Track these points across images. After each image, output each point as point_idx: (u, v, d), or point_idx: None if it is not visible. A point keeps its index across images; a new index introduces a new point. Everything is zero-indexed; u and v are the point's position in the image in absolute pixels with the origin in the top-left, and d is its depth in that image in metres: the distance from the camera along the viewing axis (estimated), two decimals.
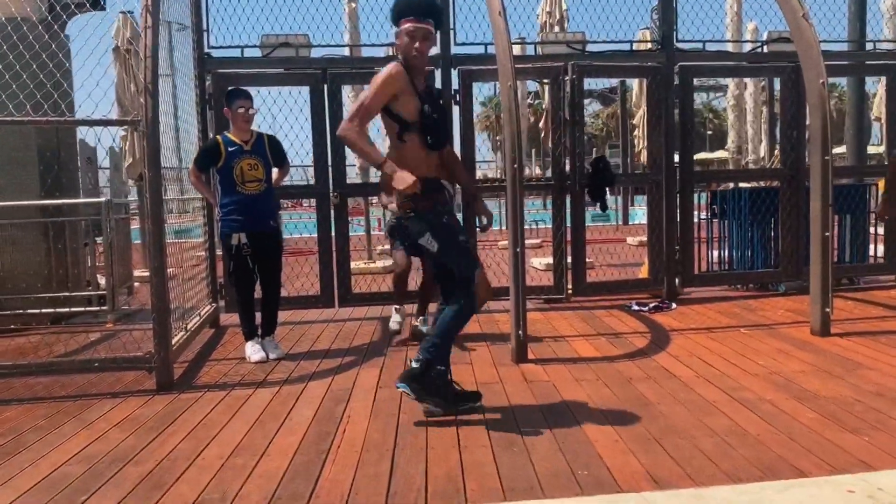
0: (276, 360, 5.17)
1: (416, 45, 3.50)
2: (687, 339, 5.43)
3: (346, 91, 6.61)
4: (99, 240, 7.41)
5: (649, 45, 7.85)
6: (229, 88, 5.47)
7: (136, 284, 8.42)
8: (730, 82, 12.09)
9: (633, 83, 12.97)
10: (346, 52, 7.00)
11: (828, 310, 5.31)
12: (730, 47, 8.27)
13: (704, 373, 4.45)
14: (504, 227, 5.82)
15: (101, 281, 7.36)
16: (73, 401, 4.30)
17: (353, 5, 10.11)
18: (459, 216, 6.52)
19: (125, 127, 4.53)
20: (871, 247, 7.84)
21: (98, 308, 7.06)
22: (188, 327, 5.36)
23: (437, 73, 6.53)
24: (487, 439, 3.40)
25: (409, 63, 3.55)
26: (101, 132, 8.63)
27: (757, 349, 5.02)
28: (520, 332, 4.79)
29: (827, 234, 5.24)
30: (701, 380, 4.30)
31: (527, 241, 12.93)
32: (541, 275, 8.80)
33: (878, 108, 10.11)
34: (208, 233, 6.47)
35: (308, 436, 3.55)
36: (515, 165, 4.72)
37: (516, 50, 7.70)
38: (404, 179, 3.40)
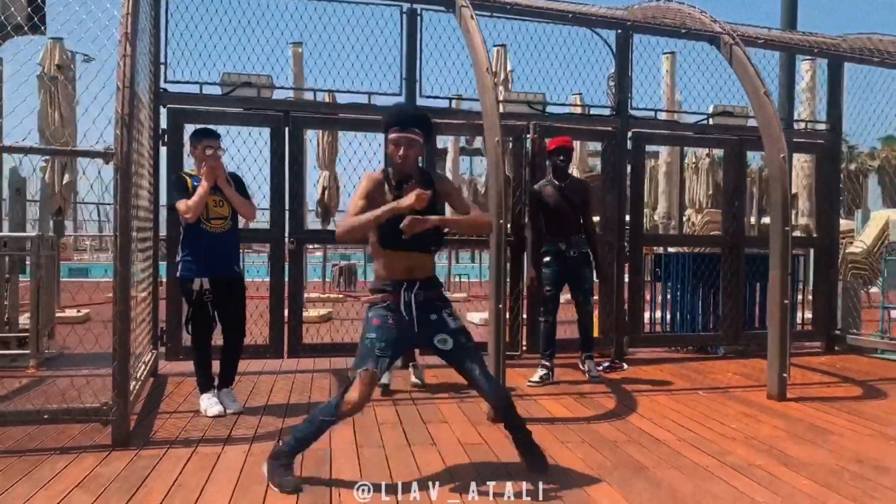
0: (235, 414, 4.85)
1: (401, 151, 3.61)
2: (652, 400, 5.47)
3: (309, 136, 6.41)
4: (23, 277, 6.84)
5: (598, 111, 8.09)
6: (196, 128, 5.15)
7: (57, 327, 7.78)
8: (663, 150, 12.62)
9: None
10: (309, 95, 6.84)
11: (785, 375, 5.48)
12: (677, 117, 8.63)
13: (684, 436, 4.46)
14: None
15: (21, 321, 6.78)
16: (17, 456, 3.86)
17: (300, 50, 9.98)
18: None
19: (102, 160, 4.18)
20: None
21: (18, 352, 6.47)
22: (138, 376, 4.96)
23: None
24: None
25: (394, 169, 3.67)
26: (21, 161, 8.05)
27: (723, 413, 5.10)
28: None
29: (786, 301, 5.45)
30: (685, 444, 4.30)
31: (455, 295, 12.85)
32: (481, 330, 8.73)
33: (795, 183, 10.76)
34: (153, 272, 6.08)
35: (302, 502, 3.30)
36: (501, 221, 4.68)
37: (466, 106, 7.76)
38: (409, 198, 3.42)
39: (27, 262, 6.77)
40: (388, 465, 3.81)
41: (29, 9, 6.50)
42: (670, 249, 8.65)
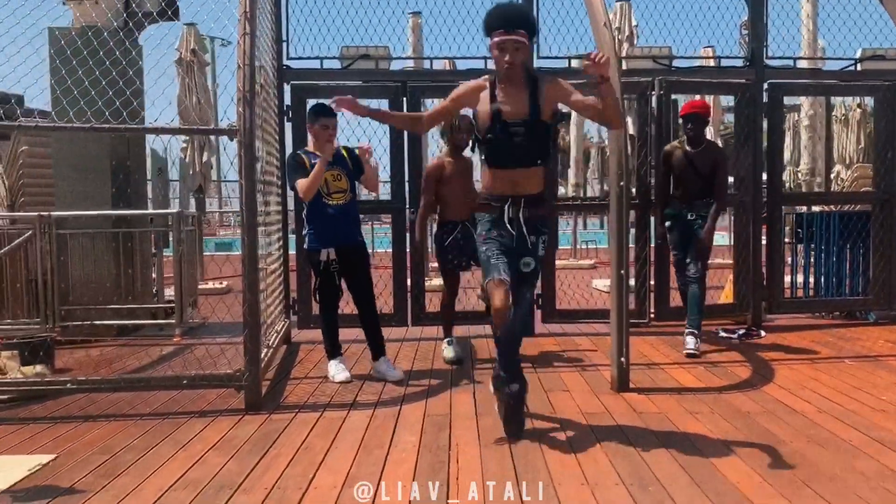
0: (395, 382, 4.90)
1: (507, 57, 3.47)
2: (791, 369, 5.12)
3: (427, 104, 6.40)
4: (167, 252, 7.31)
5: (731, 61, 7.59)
6: (313, 104, 5.28)
7: (199, 298, 8.29)
8: (804, 102, 11.74)
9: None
10: (426, 64, 6.83)
11: None
12: (820, 64, 7.96)
13: (826, 408, 4.15)
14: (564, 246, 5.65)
15: (168, 293, 7.25)
16: (161, 419, 4.14)
17: (418, 20, 9.99)
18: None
19: (227, 137, 4.38)
20: None
21: (165, 321, 6.94)
22: (270, 343, 5.18)
23: None
24: (617, 476, 3.16)
25: (500, 75, 3.58)
26: (167, 141, 8.56)
27: (872, 382, 4.70)
28: (622, 359, 4.53)
29: None
30: (826, 416, 4.00)
31: (580, 262, 12.63)
32: (605, 297, 8.51)
33: None
34: (282, 245, 6.32)
35: (420, 464, 3.33)
36: (622, 183, 4.49)
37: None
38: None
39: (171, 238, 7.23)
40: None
41: (162, 1, 6.89)
42: (814, 208, 8.04)
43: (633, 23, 9.84)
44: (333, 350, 5.10)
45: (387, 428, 3.90)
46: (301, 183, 4.84)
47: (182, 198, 8.64)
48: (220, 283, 10.21)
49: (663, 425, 3.88)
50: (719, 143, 10.35)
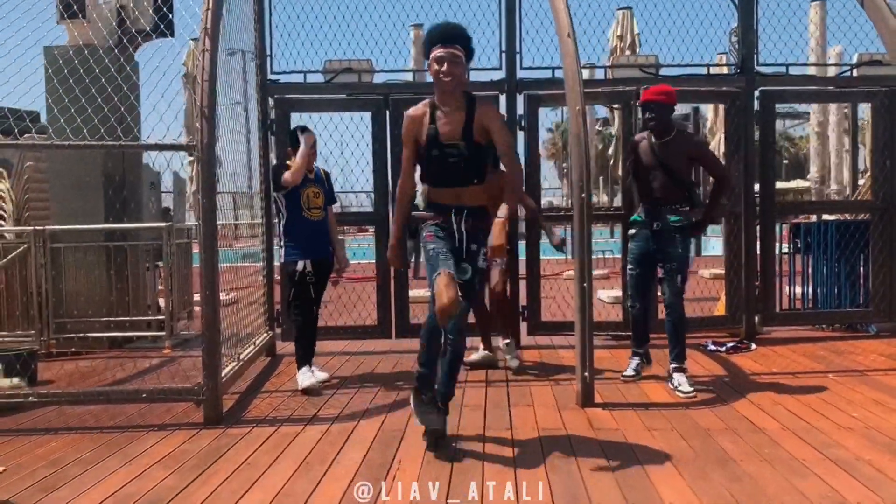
0: (325, 381, 5.12)
1: (444, 68, 3.52)
2: (770, 384, 4.98)
3: None
4: (161, 264, 7.41)
5: (726, 69, 7.47)
6: (294, 126, 5.46)
7: (197, 309, 8.38)
8: (813, 108, 11.50)
9: (708, 109, 12.49)
10: (409, 77, 6.84)
11: None
12: (813, 71, 7.78)
13: (792, 425, 4.02)
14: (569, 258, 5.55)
15: (163, 305, 7.34)
16: (120, 432, 4.17)
17: (420, 32, 9.99)
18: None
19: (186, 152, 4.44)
20: None
21: (157, 333, 7.03)
22: (241, 357, 5.21)
23: (502, 99, 6.31)
24: (549, 495, 3.10)
25: (438, 91, 3.62)
26: (170, 158, 8.71)
27: (850, 399, 4.55)
28: (586, 373, 4.46)
29: None
30: (788, 433, 3.88)
31: (594, 273, 12.45)
32: (609, 309, 8.39)
33: None
34: (266, 258, 6.37)
35: (354, 483, 3.30)
36: (584, 195, 4.43)
37: (585, 74, 7.39)
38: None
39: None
40: (454, 453, 3.72)
41: (156, 17, 6.99)
42: (813, 218, 7.85)
43: (636, 31, 9.74)
44: (304, 357, 5.13)
45: (336, 444, 3.88)
46: (288, 174, 5.05)
47: (176, 211, 8.76)
48: (227, 295, 10.31)
49: (617, 443, 3.80)
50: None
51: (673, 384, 4.83)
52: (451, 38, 3.55)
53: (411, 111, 3.72)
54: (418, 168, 3.81)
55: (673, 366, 4.91)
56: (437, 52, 3.52)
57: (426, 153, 3.65)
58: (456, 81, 3.55)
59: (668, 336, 4.97)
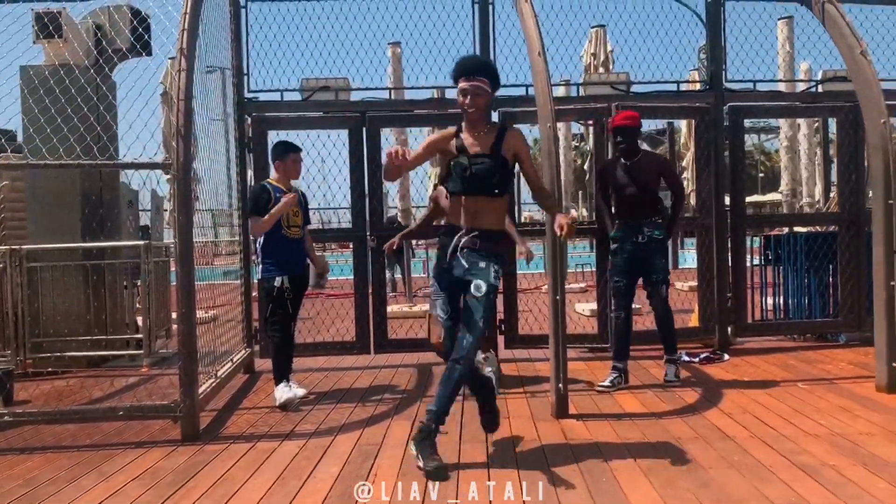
0: (303, 397, 5.14)
1: (468, 100, 3.75)
2: (740, 393, 5.09)
3: (385, 133, 6.49)
4: (139, 283, 7.40)
5: (697, 86, 7.63)
6: (277, 141, 5.53)
7: (175, 327, 8.36)
8: (783, 123, 11.73)
9: (682, 124, 12.70)
10: (385, 94, 6.93)
11: (895, 364, 4.93)
12: (782, 87, 7.97)
13: (760, 433, 4.11)
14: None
15: (142, 323, 7.33)
16: (96, 451, 4.18)
17: (398, 50, 10.11)
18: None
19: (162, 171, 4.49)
20: None
21: (135, 352, 7.01)
22: (218, 374, 5.23)
23: None
24: None
25: (465, 119, 3.84)
26: (146, 175, 8.67)
27: (817, 406, 4.66)
28: (560, 385, 4.54)
29: (893, 283, 4.89)
30: (756, 441, 3.97)
31: (571, 286, 12.55)
32: (584, 321, 8.49)
33: None
34: (244, 276, 6.40)
35: (330, 497, 3.34)
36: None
37: (559, 91, 7.58)
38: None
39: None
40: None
41: (132, 37, 7.03)
42: (785, 230, 8.01)
43: (609, 48, 9.91)
44: (283, 373, 5.16)
45: (313, 458, 3.91)
46: (257, 223, 5.12)
47: (154, 229, 8.77)
48: (206, 312, 10.29)
49: (589, 454, 3.85)
50: None
51: (664, 373, 5.47)
52: (475, 70, 3.77)
53: (446, 129, 3.96)
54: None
55: (666, 357, 5.50)
56: (462, 84, 3.74)
57: (453, 161, 3.77)
58: (479, 113, 3.77)
59: (658, 330, 5.54)
